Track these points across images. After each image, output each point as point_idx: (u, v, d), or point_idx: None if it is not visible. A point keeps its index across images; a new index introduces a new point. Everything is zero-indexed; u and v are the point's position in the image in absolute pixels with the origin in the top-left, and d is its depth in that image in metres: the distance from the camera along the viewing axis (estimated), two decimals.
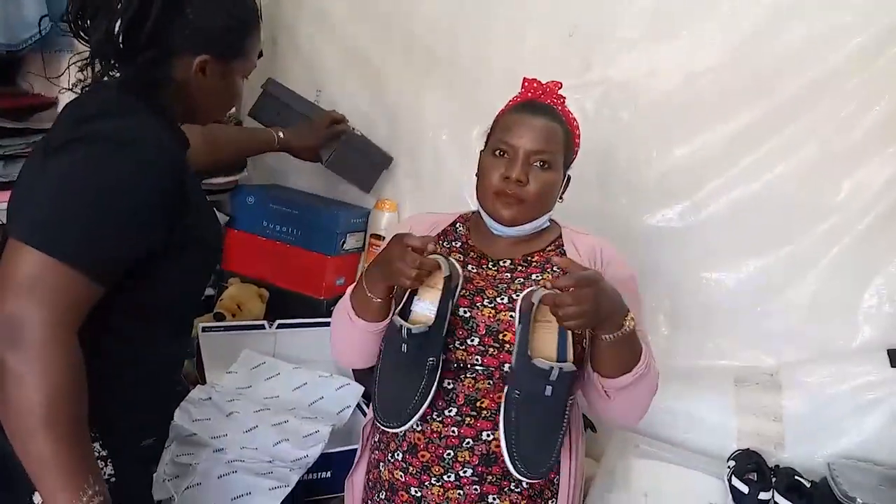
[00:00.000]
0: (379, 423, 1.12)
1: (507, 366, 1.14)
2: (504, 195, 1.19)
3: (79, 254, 0.91)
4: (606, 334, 1.05)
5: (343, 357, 1.33)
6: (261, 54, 1.23)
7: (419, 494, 1.17)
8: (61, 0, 1.15)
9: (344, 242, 2.08)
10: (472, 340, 1.17)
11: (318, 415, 1.71)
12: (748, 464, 1.59)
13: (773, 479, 1.56)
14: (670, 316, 1.86)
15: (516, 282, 1.22)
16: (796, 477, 1.57)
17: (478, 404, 1.16)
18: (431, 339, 1.12)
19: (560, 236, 1.30)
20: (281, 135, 1.77)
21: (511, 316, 1.15)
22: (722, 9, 1.73)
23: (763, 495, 1.49)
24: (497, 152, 1.21)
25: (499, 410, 1.10)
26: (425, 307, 1.16)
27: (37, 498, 0.94)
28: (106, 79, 1.05)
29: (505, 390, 1.11)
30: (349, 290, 1.25)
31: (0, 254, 0.94)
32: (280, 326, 1.93)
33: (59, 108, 1.65)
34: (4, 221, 1.03)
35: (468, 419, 1.15)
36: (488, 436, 1.15)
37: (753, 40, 1.71)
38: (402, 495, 1.19)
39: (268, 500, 1.43)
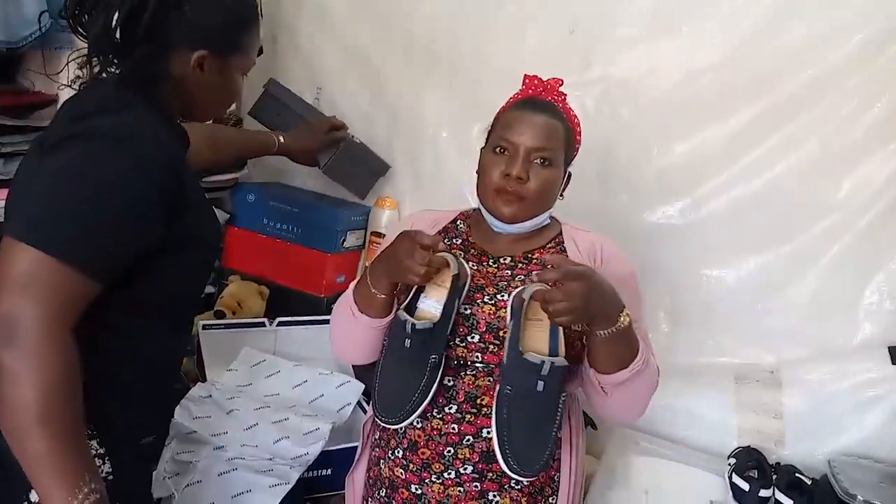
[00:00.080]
0: (378, 418, 1.11)
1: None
2: (504, 192, 1.19)
3: (74, 251, 0.91)
4: (601, 330, 1.05)
5: (343, 353, 1.33)
6: (261, 52, 1.22)
7: (419, 492, 1.17)
8: None
9: (344, 240, 2.07)
10: (473, 337, 1.17)
11: (319, 412, 1.71)
12: (749, 461, 1.59)
13: (774, 477, 1.56)
14: (670, 313, 1.86)
15: (517, 279, 1.22)
16: (797, 474, 1.57)
17: (478, 401, 1.16)
18: (435, 337, 1.12)
19: (560, 233, 1.30)
20: (281, 139, 1.77)
21: None
22: (722, 7, 1.73)
23: (763, 492, 1.49)
24: (497, 149, 1.21)
25: None
26: (431, 305, 1.15)
27: (34, 496, 0.94)
28: (104, 76, 1.05)
29: (497, 387, 1.10)
30: (351, 286, 1.25)
31: None
32: (280, 324, 1.93)
33: (60, 105, 1.65)
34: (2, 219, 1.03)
35: (468, 416, 1.15)
36: (488, 433, 1.14)
37: (754, 38, 1.70)
38: (403, 492, 1.19)
39: (268, 497, 1.43)
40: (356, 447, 1.36)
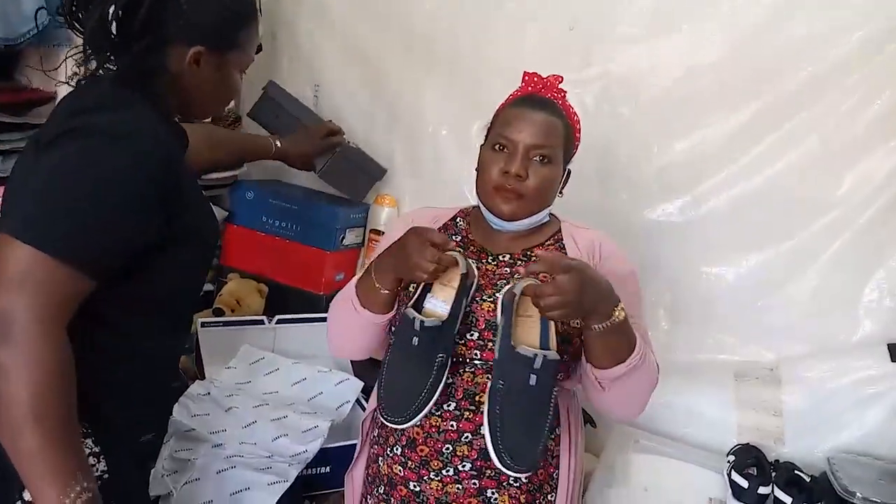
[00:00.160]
0: (383, 418, 1.09)
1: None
2: (503, 190, 1.19)
3: (70, 248, 0.91)
4: (596, 324, 1.04)
5: (341, 349, 1.33)
6: (259, 49, 1.22)
7: (418, 489, 1.17)
8: None
9: (343, 238, 2.07)
10: (472, 335, 1.17)
11: (318, 410, 1.71)
12: (748, 458, 1.59)
13: (773, 474, 1.56)
14: (670, 310, 1.86)
15: (516, 276, 1.21)
16: (796, 471, 1.57)
17: (476, 398, 1.15)
18: (443, 335, 1.11)
19: (560, 231, 1.30)
20: (278, 143, 1.78)
21: None
22: (722, 5, 1.72)
23: (763, 490, 1.49)
24: (497, 147, 1.21)
25: None
26: (437, 304, 1.14)
27: (27, 495, 0.94)
28: (101, 73, 1.05)
29: (489, 383, 1.09)
30: (353, 281, 1.24)
31: None
32: (279, 322, 1.92)
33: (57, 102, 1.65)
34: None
35: (467, 413, 1.15)
36: None
37: (754, 36, 1.70)
38: (401, 490, 1.19)
39: (267, 495, 1.43)
40: (355, 445, 1.36)
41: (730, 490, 1.53)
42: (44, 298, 0.89)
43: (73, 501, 0.89)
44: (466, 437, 1.15)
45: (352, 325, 1.22)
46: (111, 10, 1.00)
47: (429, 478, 1.16)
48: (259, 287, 2.06)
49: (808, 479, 1.54)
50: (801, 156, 1.70)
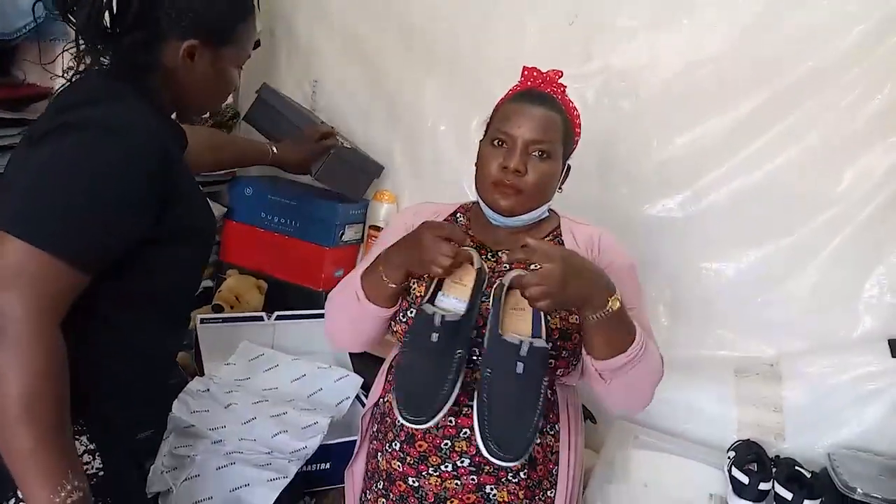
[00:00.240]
0: (404, 419, 1.03)
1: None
2: (502, 185, 1.18)
3: (62, 243, 0.90)
4: (590, 314, 1.03)
5: (340, 338, 1.31)
6: (258, 45, 1.21)
7: (417, 484, 1.17)
8: None
9: (342, 234, 2.07)
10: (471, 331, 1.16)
11: (317, 406, 1.71)
12: (748, 454, 1.59)
13: (774, 470, 1.56)
14: (670, 306, 1.86)
15: (504, 267, 1.21)
16: (797, 467, 1.57)
17: (475, 394, 1.14)
18: (461, 330, 1.09)
19: (559, 226, 1.29)
20: (274, 150, 1.77)
21: None
22: None
23: (763, 486, 1.49)
24: (496, 142, 1.20)
25: None
26: (451, 302, 1.12)
27: (20, 494, 0.93)
28: (96, 67, 1.04)
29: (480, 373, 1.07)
30: (355, 271, 1.23)
31: None
32: (279, 318, 1.93)
33: None
34: None
35: (465, 409, 1.15)
36: None
37: (754, 30, 1.70)
38: (400, 485, 1.19)
39: (266, 491, 1.43)
40: (355, 441, 1.36)
41: (730, 486, 1.53)
42: (37, 293, 0.88)
43: (63, 501, 0.88)
44: (465, 433, 1.15)
45: (354, 316, 1.21)
46: (104, 2, 0.99)
47: (427, 473, 1.16)
48: (258, 283, 2.06)
49: (808, 475, 1.54)
50: (801, 151, 1.70)
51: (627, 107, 1.84)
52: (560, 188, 1.27)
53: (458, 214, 1.35)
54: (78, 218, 0.92)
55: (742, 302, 1.79)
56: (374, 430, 1.28)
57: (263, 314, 1.93)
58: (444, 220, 1.33)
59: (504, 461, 0.99)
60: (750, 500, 1.49)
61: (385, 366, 1.34)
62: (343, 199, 2.10)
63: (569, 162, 1.27)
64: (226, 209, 2.15)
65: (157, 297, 1.09)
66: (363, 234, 2.16)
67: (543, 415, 1.08)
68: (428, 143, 2.08)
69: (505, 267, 1.23)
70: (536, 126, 1.17)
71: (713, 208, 1.79)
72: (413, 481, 1.17)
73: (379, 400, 1.30)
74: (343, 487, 1.40)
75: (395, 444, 1.19)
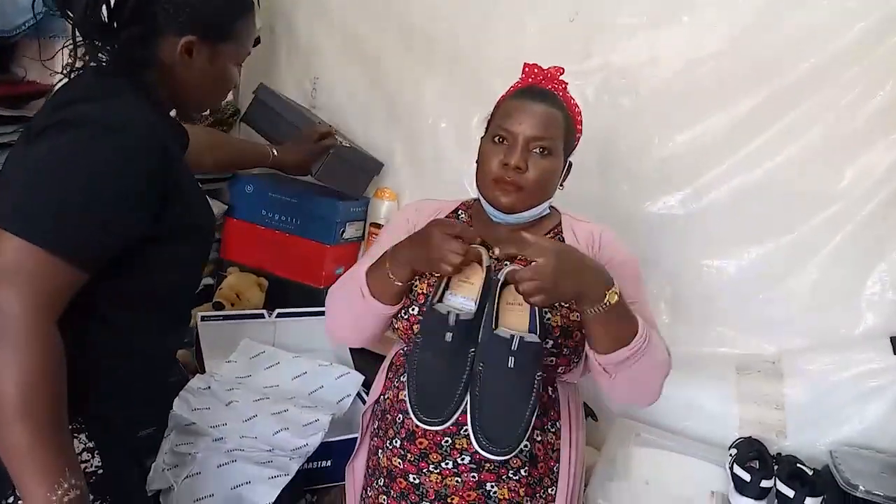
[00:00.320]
0: (420, 421, 1.03)
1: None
2: (503, 182, 1.18)
3: (60, 240, 0.90)
4: (589, 308, 1.03)
5: (341, 334, 1.31)
6: (257, 42, 1.20)
7: (417, 481, 1.17)
8: None
9: (343, 231, 2.07)
10: None
11: (318, 404, 1.71)
12: (750, 452, 1.59)
13: (775, 467, 1.56)
14: (671, 304, 1.86)
15: (504, 263, 1.21)
16: (798, 465, 1.56)
17: (468, 389, 1.14)
18: (473, 329, 1.08)
19: (560, 223, 1.29)
20: (275, 152, 1.77)
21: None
22: None
23: (765, 483, 1.48)
24: (496, 139, 1.20)
25: None
26: (459, 301, 1.12)
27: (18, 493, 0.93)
28: (94, 64, 1.04)
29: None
30: (357, 266, 1.23)
31: None
32: (279, 315, 1.92)
33: None
34: None
35: (465, 406, 1.14)
36: None
37: (754, 27, 1.69)
38: (401, 482, 1.19)
39: (267, 488, 1.43)
40: (356, 438, 1.36)
41: (732, 483, 1.53)
42: (34, 290, 0.88)
43: (59, 499, 0.88)
44: (465, 431, 1.14)
45: (357, 312, 1.21)
46: None
47: (428, 470, 1.16)
48: (259, 281, 2.06)
49: (810, 473, 1.54)
50: (801, 149, 1.70)
51: (628, 104, 1.84)
52: (561, 185, 1.27)
53: (460, 211, 1.35)
54: (75, 215, 0.92)
55: (743, 299, 1.79)
56: (375, 427, 1.28)
57: (264, 312, 1.93)
58: (447, 216, 1.33)
59: (494, 455, 0.99)
60: (751, 498, 1.49)
61: (386, 363, 1.34)
62: (344, 197, 2.10)
63: (570, 159, 1.27)
64: (226, 206, 2.14)
65: (157, 296, 1.09)
66: (364, 232, 2.16)
67: (539, 410, 1.08)
68: (428, 140, 2.08)
69: (506, 264, 1.22)
70: (537, 123, 1.17)
71: (714, 206, 1.79)
72: (414, 478, 1.17)
73: (380, 397, 1.30)
74: (344, 485, 1.40)
75: (396, 442, 1.19)
